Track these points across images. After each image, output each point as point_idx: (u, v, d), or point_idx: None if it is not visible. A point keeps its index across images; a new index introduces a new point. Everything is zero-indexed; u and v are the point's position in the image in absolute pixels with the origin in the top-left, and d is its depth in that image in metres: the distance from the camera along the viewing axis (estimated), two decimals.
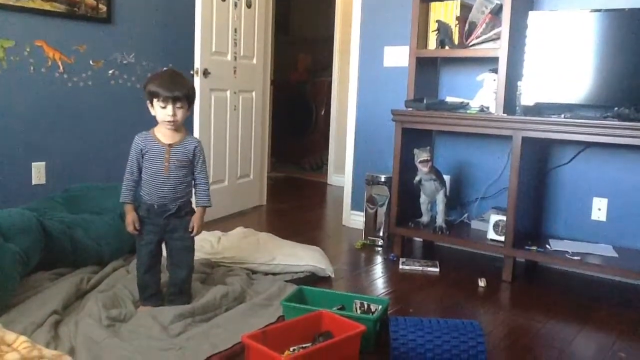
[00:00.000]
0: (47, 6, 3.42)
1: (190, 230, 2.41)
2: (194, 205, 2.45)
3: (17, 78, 3.36)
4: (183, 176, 2.38)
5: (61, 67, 3.55)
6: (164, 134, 2.36)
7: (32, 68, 3.41)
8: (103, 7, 3.69)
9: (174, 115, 2.30)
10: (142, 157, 2.35)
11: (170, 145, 2.34)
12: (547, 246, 3.02)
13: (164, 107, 2.29)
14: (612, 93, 2.87)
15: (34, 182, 3.47)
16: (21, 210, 2.61)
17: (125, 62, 3.87)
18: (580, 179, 3.20)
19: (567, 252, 2.93)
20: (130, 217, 2.36)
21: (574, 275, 3.13)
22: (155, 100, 2.30)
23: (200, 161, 2.41)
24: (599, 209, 3.15)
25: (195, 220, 2.41)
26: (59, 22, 3.50)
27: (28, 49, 3.38)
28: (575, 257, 2.86)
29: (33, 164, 3.47)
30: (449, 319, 2.18)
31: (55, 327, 2.14)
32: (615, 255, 2.92)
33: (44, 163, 3.52)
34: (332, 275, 2.94)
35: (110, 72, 3.81)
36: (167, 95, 2.27)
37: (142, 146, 2.34)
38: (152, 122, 2.39)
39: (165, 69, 3.89)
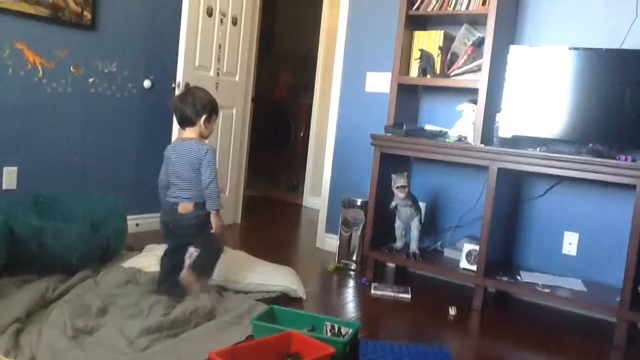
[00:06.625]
0: (30, 9, 3.38)
1: None
2: None
3: None
4: None
5: (41, 72, 3.50)
6: None
7: (10, 70, 3.35)
8: (88, 15, 3.66)
9: None
10: None
11: None
12: (518, 277, 3.05)
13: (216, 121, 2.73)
14: (587, 129, 2.94)
15: (4, 187, 3.39)
16: None
17: (106, 70, 3.83)
18: (552, 212, 3.25)
19: (537, 284, 2.96)
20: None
21: (543, 307, 3.16)
22: (214, 116, 2.71)
23: None
24: (570, 243, 3.19)
25: None
26: (42, 25, 3.46)
27: (8, 51, 3.33)
28: (545, 290, 2.89)
29: (5, 168, 3.39)
30: (419, 345, 2.18)
31: (17, 335, 2.08)
32: (584, 289, 2.96)
33: (16, 168, 3.44)
34: (304, 297, 2.92)
35: (91, 80, 3.76)
36: None
37: None
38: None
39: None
